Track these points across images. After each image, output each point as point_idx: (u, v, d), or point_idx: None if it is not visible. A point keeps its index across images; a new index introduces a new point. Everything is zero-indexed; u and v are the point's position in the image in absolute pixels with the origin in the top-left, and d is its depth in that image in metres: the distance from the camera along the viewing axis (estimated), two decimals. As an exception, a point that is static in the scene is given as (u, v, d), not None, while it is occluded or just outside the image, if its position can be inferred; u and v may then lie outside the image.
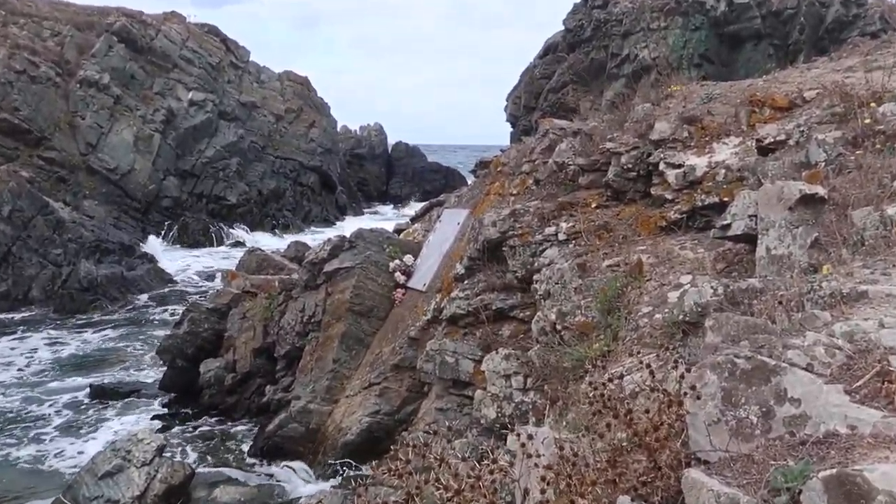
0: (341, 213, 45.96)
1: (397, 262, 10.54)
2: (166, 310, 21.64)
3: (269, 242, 35.29)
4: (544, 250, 6.82)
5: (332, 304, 10.49)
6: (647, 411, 1.93)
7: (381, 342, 10.02)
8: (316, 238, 34.64)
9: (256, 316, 12.45)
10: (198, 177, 36.02)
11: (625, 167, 6.88)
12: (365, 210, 51.42)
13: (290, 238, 33.77)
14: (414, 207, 51.65)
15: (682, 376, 1.97)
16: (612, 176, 6.96)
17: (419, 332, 9.18)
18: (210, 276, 26.97)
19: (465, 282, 7.92)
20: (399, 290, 10.39)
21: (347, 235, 11.14)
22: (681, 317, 3.82)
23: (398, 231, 13.53)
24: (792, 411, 1.79)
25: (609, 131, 7.56)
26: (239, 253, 26.98)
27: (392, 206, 56.72)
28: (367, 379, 9.67)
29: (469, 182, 15.81)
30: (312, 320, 10.76)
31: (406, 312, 9.95)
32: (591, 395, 2.04)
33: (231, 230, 35.31)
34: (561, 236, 6.75)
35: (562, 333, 5.28)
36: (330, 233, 35.10)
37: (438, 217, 11.68)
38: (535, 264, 6.78)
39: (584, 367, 4.69)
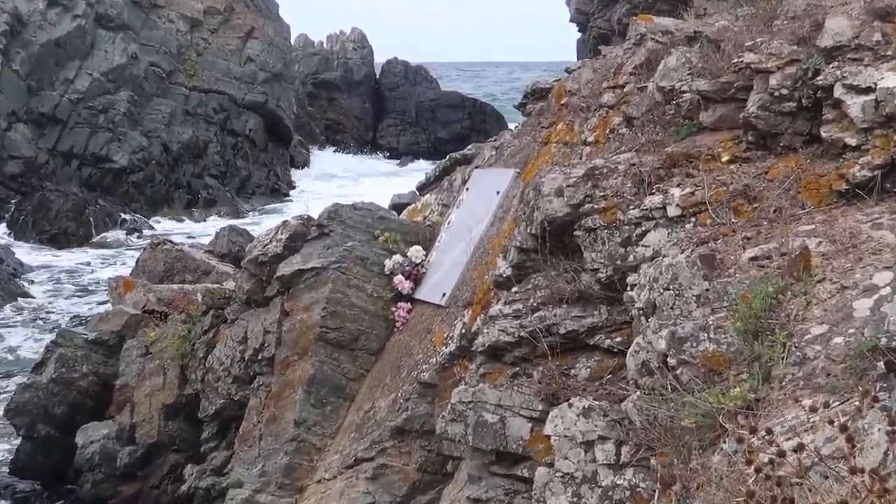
0: (299, 179, 46.16)
1: (398, 258, 10.56)
2: (17, 344, 21.83)
3: (185, 229, 35.53)
4: (644, 234, 6.78)
5: (291, 331, 10.53)
6: None
7: (374, 391, 10.05)
8: (261, 221, 34.83)
9: (168, 351, 12.54)
10: (63, 124, 36.34)
11: (776, 94, 6.82)
12: (340, 172, 51.62)
13: (217, 222, 33.98)
14: (422, 167, 51.84)
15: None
16: (756, 109, 6.90)
17: (437, 373, 9.18)
18: (89, 287, 27.21)
19: (514, 289, 7.90)
20: (402, 304, 10.42)
21: (315, 216, 11.17)
22: (883, 340, 3.79)
23: (398, 207, 13.55)
24: None
25: (748, 35, 7.51)
26: (136, 248, 27.12)
27: (384, 159, 56.90)
28: (351, 452, 9.71)
29: (513, 125, 15.77)
30: (260, 357, 10.81)
31: (414, 342, 9.97)
32: (749, 475, 2.01)
33: (122, 212, 35.59)
34: (672, 210, 6.70)
35: (678, 372, 5.25)
36: (284, 213, 35.23)
37: (465, 183, 11.68)
38: (630, 258, 6.75)
39: (718, 427, 4.66)
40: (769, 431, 3.05)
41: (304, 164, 47.15)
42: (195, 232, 34.33)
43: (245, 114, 42.60)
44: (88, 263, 30.49)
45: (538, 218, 7.52)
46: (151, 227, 35.19)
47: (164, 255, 16.02)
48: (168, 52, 40.84)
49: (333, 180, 48.14)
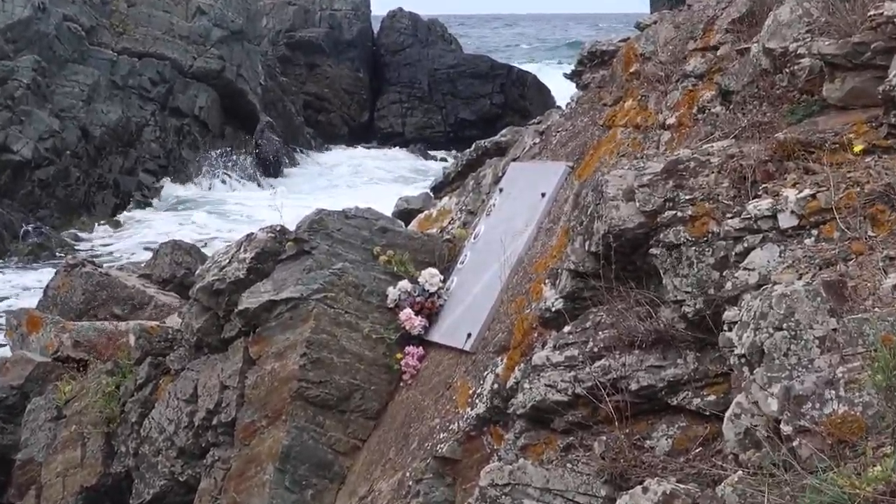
0: (268, 173, 46.15)
1: (405, 285, 10.57)
2: None
3: (111, 245, 35.56)
4: (747, 252, 6.75)
5: (259, 386, 10.54)
6: None
7: (373, 469, 10.05)
8: (217, 233, 34.80)
9: (88, 414, 12.55)
10: (-55, 101, 36.47)
11: (929, 58, 6.82)
12: (324, 163, 51.69)
13: (156, 234, 34.00)
14: (437, 161, 51.90)
15: None
16: (900, 79, 6.90)
17: (459, 444, 9.17)
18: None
19: (567, 328, 7.91)
20: (411, 349, 10.43)
21: (292, 227, 11.17)
22: None
23: (405, 214, 13.56)
24: None
25: (888, -24, 7.51)
26: (45, 271, 27.18)
27: (382, 149, 56.89)
28: (342, 553, 9.71)
29: (564, 101, 15.77)
30: (216, 422, 10.83)
31: (428, 401, 9.97)
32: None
33: (25, 221, 35.69)
34: (785, 220, 6.68)
35: (795, 443, 5.24)
36: (247, 221, 35.26)
37: (497, 182, 11.69)
38: (728, 285, 6.73)
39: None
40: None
41: (276, 159, 46.97)
42: (125, 248, 34.42)
43: (193, 86, 42.75)
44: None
45: (600, 230, 7.53)
46: (65, 243, 35.28)
47: (82, 280, 16.04)
48: (88, 0, 41.03)
49: (316, 177, 48.24)
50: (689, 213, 7.14)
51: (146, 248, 31.85)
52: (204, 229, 37.02)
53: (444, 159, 51.52)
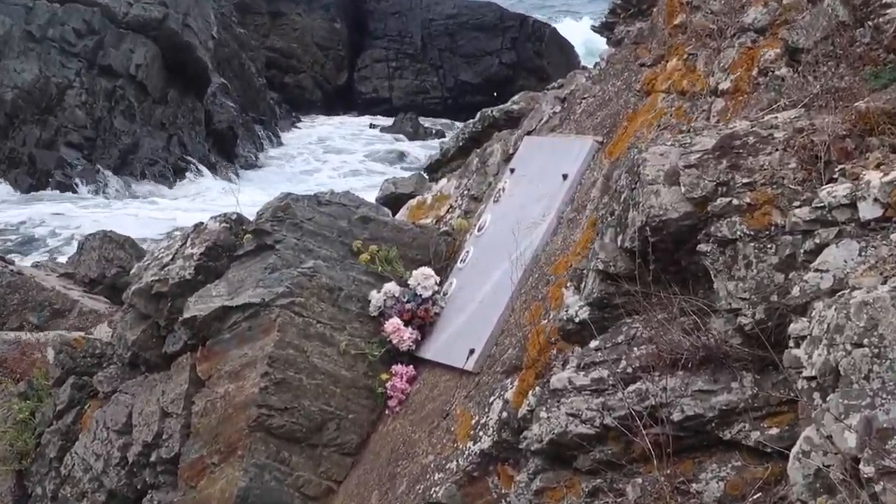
0: (224, 155, 46.15)
1: (392, 289, 10.58)
2: None
3: (25, 235, 35.58)
4: (819, 250, 6.76)
5: (209, 413, 10.55)
6: None
7: (351, 518, 10.07)
8: (155, 223, 34.80)
9: (-5, 447, 12.56)
10: None
11: None
12: (293, 144, 51.72)
13: (83, 221, 34.00)
14: (431, 135, 52.00)
15: None
16: None
17: (459, 487, 9.19)
18: None
19: (594, 343, 7.92)
20: (399, 368, 10.43)
21: (251, 216, 11.17)
22: None
23: (393, 200, 13.57)
24: None
25: None
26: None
27: (364, 118, 56.91)
28: None
29: (591, 61, 15.80)
30: (154, 459, 10.83)
31: (420, 433, 9.99)
32: None
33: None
34: (867, 210, 6.68)
35: (877, 488, 5.26)
36: (198, 209, 35.25)
37: (508, 161, 11.70)
38: (795, 290, 6.74)
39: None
40: None
41: (231, 132, 46.89)
42: (44, 239, 34.45)
43: (129, 39, 42.67)
44: None
45: (636, 221, 7.54)
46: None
47: (-10, 280, 16.08)
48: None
49: (283, 158, 48.35)
50: (748, 200, 7.14)
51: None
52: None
53: (440, 132, 51.61)
